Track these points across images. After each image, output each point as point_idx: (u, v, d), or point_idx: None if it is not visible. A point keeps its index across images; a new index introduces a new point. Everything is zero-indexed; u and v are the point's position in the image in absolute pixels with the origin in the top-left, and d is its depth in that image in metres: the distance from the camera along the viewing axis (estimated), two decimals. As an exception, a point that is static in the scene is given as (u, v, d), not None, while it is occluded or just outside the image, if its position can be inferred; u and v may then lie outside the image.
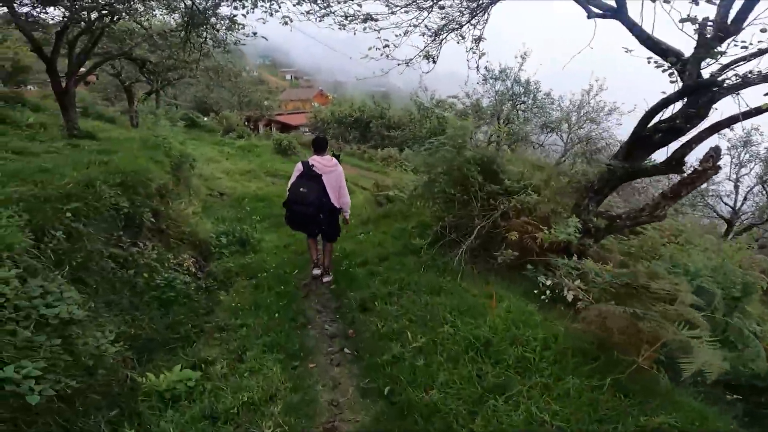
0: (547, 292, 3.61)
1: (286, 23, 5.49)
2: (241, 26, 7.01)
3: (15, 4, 6.51)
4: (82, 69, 8.07)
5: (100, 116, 15.24)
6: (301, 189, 4.38)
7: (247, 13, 6.10)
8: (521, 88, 20.01)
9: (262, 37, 6.79)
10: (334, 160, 4.62)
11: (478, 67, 4.80)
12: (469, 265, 4.32)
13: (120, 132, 11.09)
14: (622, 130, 19.39)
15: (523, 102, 20.61)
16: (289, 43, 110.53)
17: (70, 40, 7.03)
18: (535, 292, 3.69)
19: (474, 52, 4.85)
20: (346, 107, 27.27)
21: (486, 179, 4.93)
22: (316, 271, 4.93)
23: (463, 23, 4.76)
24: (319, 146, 4.59)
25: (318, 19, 4.96)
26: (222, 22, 7.06)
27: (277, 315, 4.08)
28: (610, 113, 19.89)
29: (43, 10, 6.42)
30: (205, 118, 22.88)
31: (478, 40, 4.79)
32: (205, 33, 7.18)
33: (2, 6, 6.50)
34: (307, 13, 4.99)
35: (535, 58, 20.00)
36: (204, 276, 5.54)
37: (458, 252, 4.43)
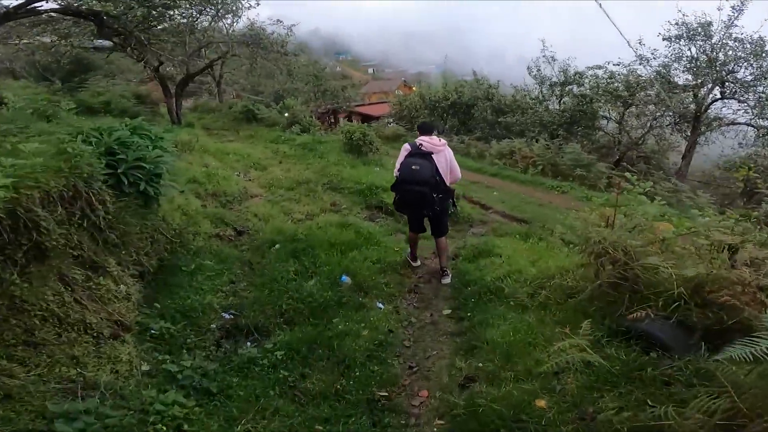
0: None
1: None
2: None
3: None
4: None
5: (123, 113, 11.82)
6: (413, 167, 3.98)
7: None
8: (740, 50, 11.99)
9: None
10: (443, 140, 4.25)
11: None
12: None
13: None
14: None
15: (732, 72, 12.42)
16: (349, 39, 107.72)
17: None
18: None
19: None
20: (438, 89, 21.46)
21: None
22: (416, 263, 4.62)
23: None
24: (426, 129, 4.28)
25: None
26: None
27: None
28: None
29: None
30: (284, 111, 18.03)
31: None
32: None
33: None
34: None
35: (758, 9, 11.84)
36: None
37: None
